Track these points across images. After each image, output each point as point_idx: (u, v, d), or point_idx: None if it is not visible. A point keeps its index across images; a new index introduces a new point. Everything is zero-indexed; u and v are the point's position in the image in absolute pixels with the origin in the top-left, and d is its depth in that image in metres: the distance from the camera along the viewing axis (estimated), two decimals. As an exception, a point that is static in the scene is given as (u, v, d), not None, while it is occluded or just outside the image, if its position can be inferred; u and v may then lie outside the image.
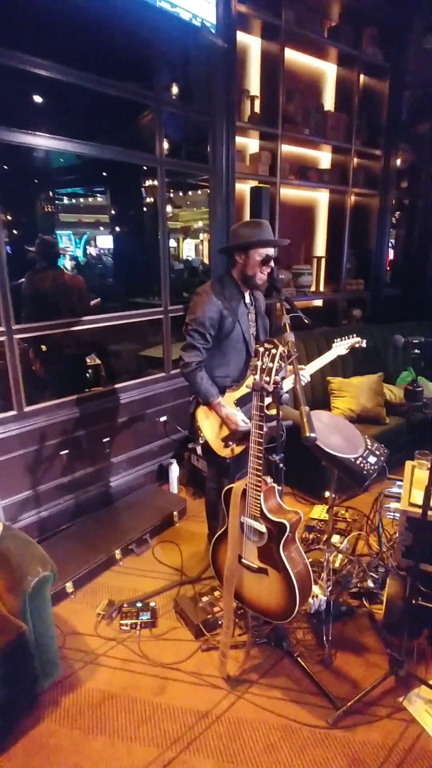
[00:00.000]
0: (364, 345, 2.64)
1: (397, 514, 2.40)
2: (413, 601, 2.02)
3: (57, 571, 1.92)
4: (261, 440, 1.68)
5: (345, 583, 2.44)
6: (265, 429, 2.06)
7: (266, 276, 2.23)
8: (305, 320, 1.99)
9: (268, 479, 1.80)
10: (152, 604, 2.39)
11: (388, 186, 4.71)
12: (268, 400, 2.25)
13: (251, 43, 3.67)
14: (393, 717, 1.83)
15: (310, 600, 2.30)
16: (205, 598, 2.38)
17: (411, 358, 2.17)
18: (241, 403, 2.26)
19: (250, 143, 3.85)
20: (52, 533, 2.90)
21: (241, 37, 3.53)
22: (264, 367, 1.60)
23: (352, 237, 4.76)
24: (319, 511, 3.13)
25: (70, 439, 2.98)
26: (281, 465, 1.87)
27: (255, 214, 3.39)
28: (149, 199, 6.83)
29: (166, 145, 3.96)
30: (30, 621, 1.80)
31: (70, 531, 2.94)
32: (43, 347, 3.81)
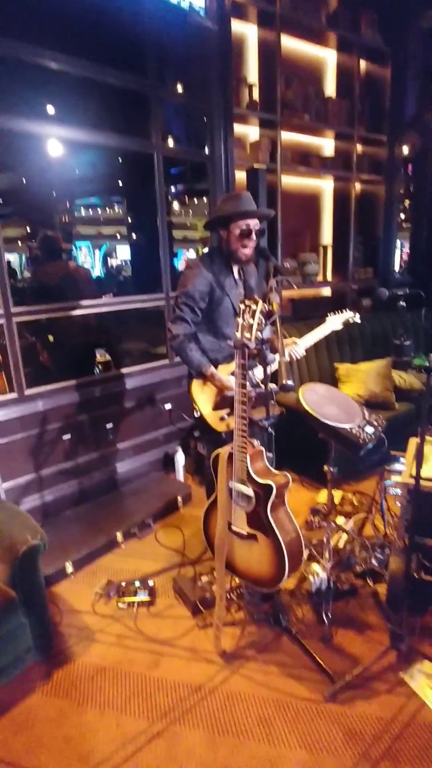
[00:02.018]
0: (357, 320, 2.58)
1: (399, 490, 2.33)
2: (415, 576, 1.94)
3: (47, 540, 1.91)
4: (245, 400, 1.65)
5: (347, 561, 2.36)
6: (253, 393, 2.04)
7: (250, 250, 2.18)
8: (294, 286, 1.96)
9: (255, 442, 1.76)
10: (151, 583, 2.36)
11: (395, 173, 4.64)
12: (260, 375, 2.23)
13: (248, 32, 3.69)
14: (393, 691, 1.74)
15: (311, 578, 2.24)
16: (204, 578, 2.34)
17: (398, 313, 2.09)
18: (235, 375, 2.23)
19: (250, 131, 3.85)
20: (56, 518, 2.91)
21: (238, 26, 3.57)
22: (245, 324, 1.57)
23: (360, 225, 4.69)
24: (325, 496, 3.05)
25: (73, 424, 3.00)
26: (270, 430, 1.83)
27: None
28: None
29: (171, 142, 4.04)
30: (20, 589, 1.79)
31: (73, 514, 2.95)
32: (50, 337, 3.88)
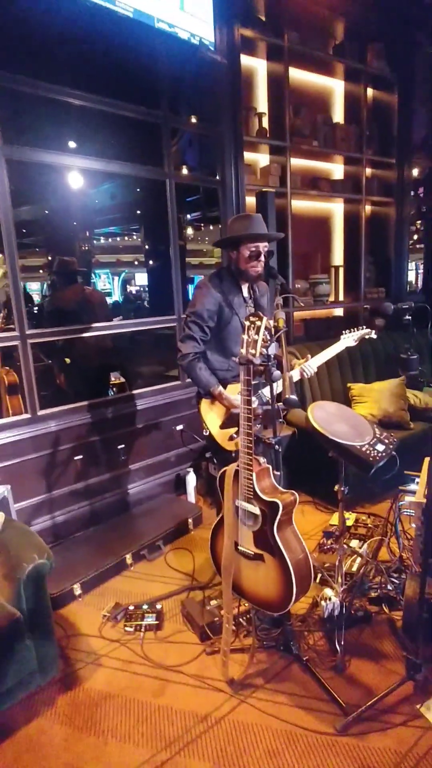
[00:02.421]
0: (374, 336, 2.56)
1: (412, 511, 2.26)
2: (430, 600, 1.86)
3: (56, 561, 1.90)
4: (251, 416, 1.64)
5: (360, 585, 2.28)
6: (260, 411, 2.03)
7: (261, 268, 2.21)
8: (300, 303, 1.97)
9: (262, 460, 1.74)
10: (159, 606, 2.31)
11: (405, 194, 4.68)
12: (267, 396, 2.22)
13: (257, 65, 3.83)
14: (409, 724, 1.65)
15: (323, 603, 2.16)
16: (213, 602, 2.29)
17: (411, 331, 2.07)
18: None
19: (260, 158, 3.95)
20: (66, 539, 2.90)
21: (248, 60, 3.71)
22: (249, 340, 1.58)
23: (372, 246, 4.73)
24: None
25: (84, 445, 3.02)
26: (278, 447, 1.80)
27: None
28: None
29: (185, 171, 4.18)
30: (25, 609, 1.78)
31: (83, 536, 2.94)
32: (67, 360, 3.96)
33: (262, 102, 3.90)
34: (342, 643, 1.98)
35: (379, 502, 3.19)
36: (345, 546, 2.49)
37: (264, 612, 1.93)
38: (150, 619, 2.23)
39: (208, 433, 2.30)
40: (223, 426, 2.19)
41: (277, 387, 1.90)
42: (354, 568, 2.44)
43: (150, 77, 2.99)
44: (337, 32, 4.08)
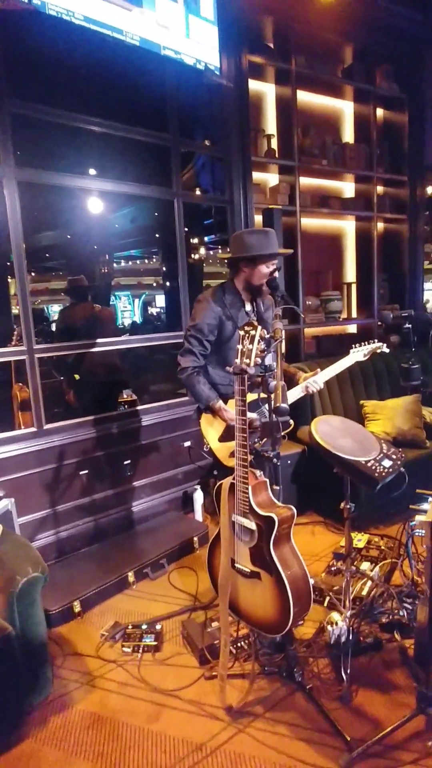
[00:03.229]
0: (386, 350, 2.49)
1: (423, 531, 2.15)
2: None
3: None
4: (245, 427, 1.60)
5: (370, 610, 2.16)
6: (258, 424, 1.98)
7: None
8: (301, 314, 1.94)
9: (258, 473, 1.69)
10: (158, 627, 2.24)
11: (418, 212, 4.65)
12: (263, 414, 2.17)
13: (266, 89, 3.92)
14: (419, 763, 1.52)
15: (329, 628, 2.05)
16: (215, 624, 2.20)
17: (403, 333, 2.02)
18: (248, 409, 2.18)
19: (270, 178, 4.00)
20: (69, 555, 2.86)
21: (257, 85, 3.80)
22: (244, 349, 1.55)
23: (385, 263, 4.69)
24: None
25: (90, 459, 3.00)
26: (276, 461, 1.75)
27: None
28: (195, 256, 7.35)
29: (198, 192, 4.26)
30: (17, 624, 1.74)
31: (85, 552, 2.90)
32: (77, 376, 3.99)
33: (271, 124, 3.97)
34: (349, 671, 1.87)
35: (394, 523, 3.06)
36: (353, 568, 2.39)
37: (264, 635, 1.84)
38: (149, 640, 2.16)
39: (208, 449, 2.26)
40: (222, 439, 2.15)
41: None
42: (364, 592, 2.33)
43: (159, 101, 3.09)
44: (346, 55, 4.16)
